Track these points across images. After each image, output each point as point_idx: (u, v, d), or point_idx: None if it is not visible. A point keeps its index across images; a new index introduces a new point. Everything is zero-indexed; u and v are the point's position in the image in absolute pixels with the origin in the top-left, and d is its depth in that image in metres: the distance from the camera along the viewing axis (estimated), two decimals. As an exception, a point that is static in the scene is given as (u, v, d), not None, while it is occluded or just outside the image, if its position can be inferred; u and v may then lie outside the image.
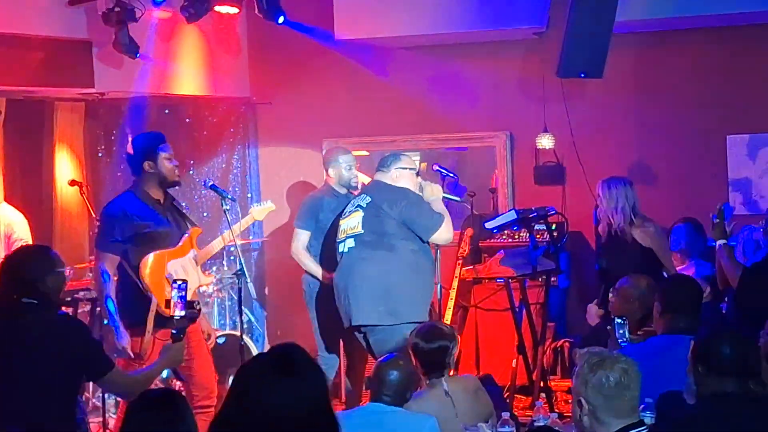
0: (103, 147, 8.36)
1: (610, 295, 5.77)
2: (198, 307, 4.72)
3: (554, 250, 7.21)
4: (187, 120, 8.61)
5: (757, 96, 7.98)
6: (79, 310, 7.06)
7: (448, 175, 7.44)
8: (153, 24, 7.49)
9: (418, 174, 6.30)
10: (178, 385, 6.51)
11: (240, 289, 6.21)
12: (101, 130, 8.36)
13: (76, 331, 4.39)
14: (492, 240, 7.89)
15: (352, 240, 6.11)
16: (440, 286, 7.23)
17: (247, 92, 8.82)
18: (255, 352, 7.53)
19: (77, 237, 8.20)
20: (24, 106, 7.79)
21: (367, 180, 6.97)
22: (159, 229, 5.72)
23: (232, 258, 8.19)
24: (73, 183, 7.40)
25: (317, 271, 6.80)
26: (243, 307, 6.48)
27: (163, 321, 5.40)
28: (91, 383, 6.47)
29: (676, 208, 7.55)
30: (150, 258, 5.63)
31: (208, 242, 6.11)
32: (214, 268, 8.09)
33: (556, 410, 6.70)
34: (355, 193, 6.72)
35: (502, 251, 7.23)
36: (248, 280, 6.05)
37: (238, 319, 6.52)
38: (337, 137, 8.46)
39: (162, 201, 5.83)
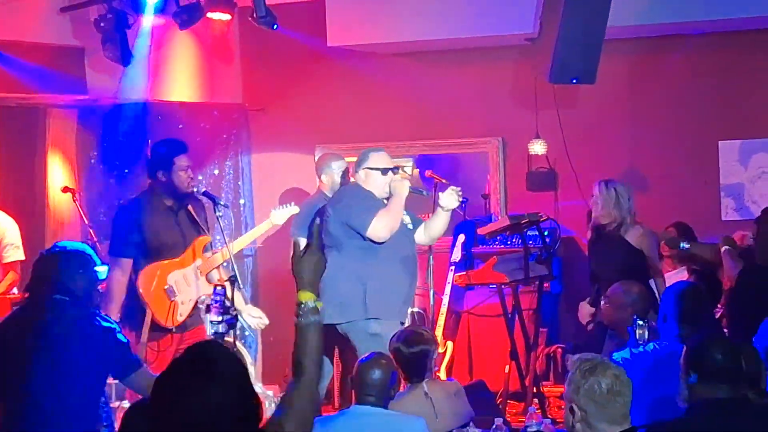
0: (95, 154, 8.33)
1: (602, 302, 5.77)
2: (234, 313, 4.92)
3: (546, 255, 7.21)
4: (180, 126, 8.57)
5: (749, 102, 8.00)
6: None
7: (440, 181, 7.43)
8: (146, 31, 7.48)
9: (393, 171, 6.07)
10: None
11: (233, 295, 6.19)
12: (94, 137, 8.34)
13: (104, 329, 4.46)
14: (485, 246, 7.89)
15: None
16: (433, 292, 7.22)
17: (240, 98, 8.82)
18: (248, 358, 7.51)
19: (69, 244, 8.17)
20: (16, 113, 7.77)
21: None
22: (165, 239, 5.73)
23: (225, 264, 8.15)
24: (65, 190, 7.41)
25: None
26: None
27: (159, 331, 5.41)
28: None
29: (668, 213, 7.55)
30: (149, 269, 5.64)
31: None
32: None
33: (549, 416, 6.67)
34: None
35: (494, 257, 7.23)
36: (241, 286, 6.05)
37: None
38: (330, 143, 8.45)
39: (174, 207, 5.83)
